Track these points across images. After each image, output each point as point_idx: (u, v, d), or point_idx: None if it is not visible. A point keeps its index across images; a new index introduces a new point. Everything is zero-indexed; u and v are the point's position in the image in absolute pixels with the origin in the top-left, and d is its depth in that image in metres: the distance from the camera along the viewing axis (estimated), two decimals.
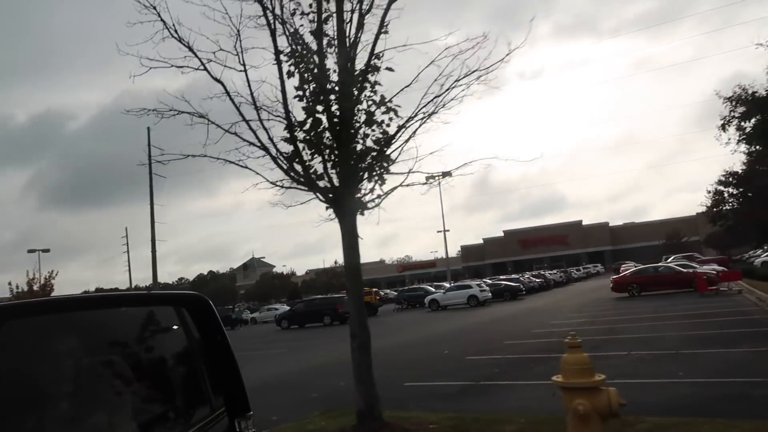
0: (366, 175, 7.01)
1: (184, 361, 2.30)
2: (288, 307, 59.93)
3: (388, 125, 7.02)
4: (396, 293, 72.87)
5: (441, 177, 7.13)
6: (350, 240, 7.03)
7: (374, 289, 55.40)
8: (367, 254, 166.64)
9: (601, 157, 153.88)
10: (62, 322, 1.75)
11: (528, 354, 13.88)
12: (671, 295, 29.40)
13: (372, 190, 7.14)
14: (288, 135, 6.84)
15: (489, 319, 27.14)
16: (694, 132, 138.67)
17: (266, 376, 14.29)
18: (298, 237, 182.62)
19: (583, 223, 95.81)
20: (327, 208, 7.05)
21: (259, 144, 6.92)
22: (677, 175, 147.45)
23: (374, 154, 6.96)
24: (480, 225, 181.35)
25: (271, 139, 6.90)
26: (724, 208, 46.04)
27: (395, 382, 11.55)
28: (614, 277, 33.45)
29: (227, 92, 7.00)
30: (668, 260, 60.63)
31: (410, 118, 7.02)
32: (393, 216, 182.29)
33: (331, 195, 6.93)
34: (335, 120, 6.73)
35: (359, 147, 6.89)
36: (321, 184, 6.93)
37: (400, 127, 7.06)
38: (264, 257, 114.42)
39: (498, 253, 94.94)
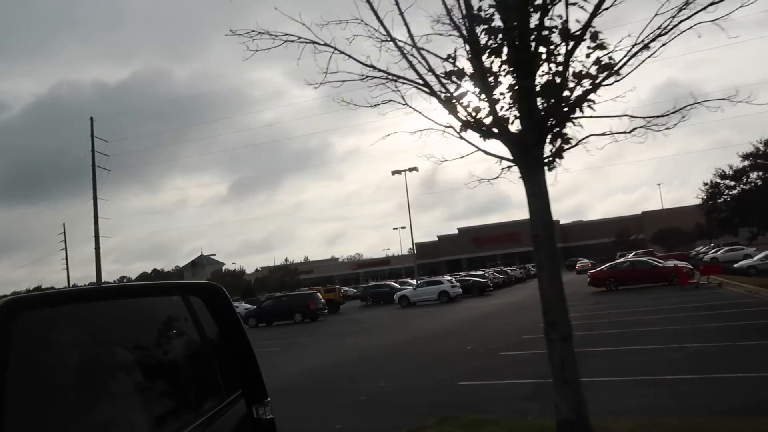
0: (569, 115, 5.17)
1: (200, 350, 2.26)
2: (247, 306, 58.21)
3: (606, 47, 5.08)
4: (355, 290, 72.21)
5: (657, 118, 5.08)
6: (542, 203, 5.48)
7: (336, 286, 54.26)
8: (314, 252, 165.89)
9: None
10: (76, 314, 1.73)
11: None
12: (649, 289, 29.59)
13: (561, 138, 5.34)
14: (473, 60, 5.16)
15: (475, 315, 26.53)
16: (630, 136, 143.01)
17: (286, 376, 13.02)
18: (245, 235, 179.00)
19: None
20: (509, 163, 5.50)
21: (421, 82, 5.44)
22: (614, 177, 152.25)
23: (587, 86, 5.07)
24: (427, 224, 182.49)
25: (438, 76, 5.39)
26: (719, 200, 46.69)
27: (444, 381, 10.61)
28: (591, 271, 33.52)
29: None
30: (627, 257, 62.15)
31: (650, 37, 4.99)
32: (339, 214, 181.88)
33: (519, 143, 5.25)
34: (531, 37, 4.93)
35: (570, 71, 5.05)
36: (512, 128, 5.27)
37: (632, 48, 5.03)
38: (214, 254, 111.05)
39: (452, 250, 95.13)
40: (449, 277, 44.96)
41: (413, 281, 54.54)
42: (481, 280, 45.90)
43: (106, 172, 62.28)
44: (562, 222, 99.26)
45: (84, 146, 60.58)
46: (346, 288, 74.85)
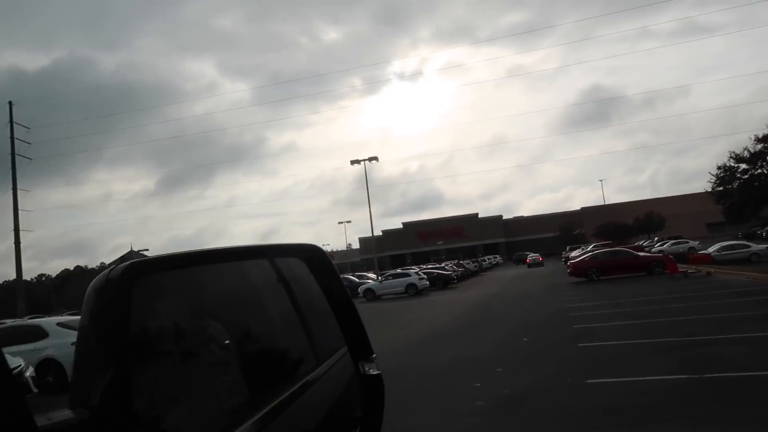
0: None
1: (305, 309, 2.25)
2: None
3: None
4: None
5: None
6: None
7: None
8: None
9: (474, 156, 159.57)
10: (189, 277, 1.72)
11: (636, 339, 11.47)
12: (634, 279, 28.80)
13: None
14: None
15: (466, 308, 24.69)
16: (556, 136, 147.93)
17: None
18: (174, 230, 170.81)
19: (479, 216, 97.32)
20: None
21: None
22: (540, 176, 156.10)
23: None
24: (362, 220, 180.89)
25: None
26: (733, 185, 44.59)
27: (559, 381, 8.55)
28: (573, 261, 32.47)
29: None
30: (573, 250, 62.39)
31: None
32: (272, 210, 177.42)
33: None
34: None
35: None
36: None
37: None
38: (146, 249, 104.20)
39: (397, 245, 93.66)
40: (416, 269, 43.11)
41: (371, 275, 52.45)
42: (445, 272, 44.35)
43: (27, 161, 56.58)
44: (504, 217, 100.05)
45: (2, 133, 54.38)
46: None
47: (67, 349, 13.09)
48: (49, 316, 47.95)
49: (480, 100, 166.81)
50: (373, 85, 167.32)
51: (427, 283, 39.20)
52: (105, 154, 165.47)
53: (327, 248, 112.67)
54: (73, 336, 13.59)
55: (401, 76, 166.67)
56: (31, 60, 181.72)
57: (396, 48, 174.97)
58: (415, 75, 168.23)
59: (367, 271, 65.62)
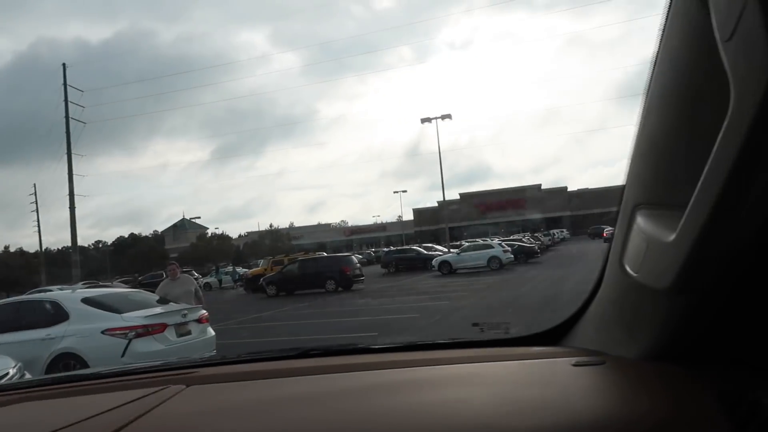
0: None
1: None
2: (240, 270, 50.58)
3: None
4: (361, 257, 64.80)
5: None
6: None
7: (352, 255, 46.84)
8: (296, 219, 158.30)
9: (526, 128, 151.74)
10: None
11: None
12: None
13: None
14: None
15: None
16: (611, 106, 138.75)
17: None
18: (225, 201, 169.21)
19: (542, 187, 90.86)
20: None
21: None
22: (595, 149, 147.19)
23: None
24: (412, 192, 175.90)
25: None
26: None
27: None
28: None
29: None
30: None
31: None
32: (319, 182, 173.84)
33: None
34: None
35: None
36: None
37: None
38: (198, 217, 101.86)
39: (453, 217, 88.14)
40: (499, 240, 37.80)
41: (440, 247, 47.42)
42: (527, 245, 38.92)
43: (81, 126, 53.07)
44: (570, 188, 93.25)
45: (60, 102, 50.99)
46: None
47: (93, 341, 8.50)
48: (101, 282, 44.96)
49: (532, 71, 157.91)
50: (421, 55, 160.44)
51: (512, 256, 33.90)
52: (162, 124, 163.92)
53: (377, 220, 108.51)
54: (103, 319, 8.96)
55: (452, 46, 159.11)
56: (95, 31, 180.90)
57: (448, 17, 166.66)
58: (466, 45, 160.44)
59: (425, 243, 60.46)
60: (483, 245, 35.14)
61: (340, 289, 28.01)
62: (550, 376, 1.23)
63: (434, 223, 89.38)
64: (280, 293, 29.05)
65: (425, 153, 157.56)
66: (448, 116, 41.36)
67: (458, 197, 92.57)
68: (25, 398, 1.52)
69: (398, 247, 49.67)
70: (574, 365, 1.22)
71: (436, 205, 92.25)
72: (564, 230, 74.56)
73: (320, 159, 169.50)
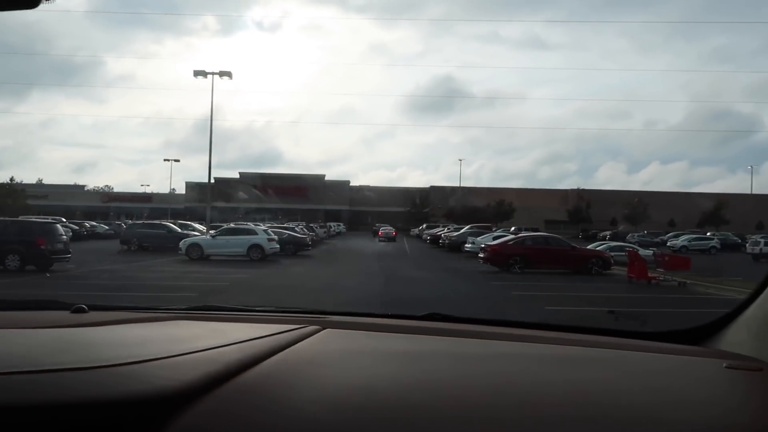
0: None
1: None
2: None
3: None
4: (107, 228, 53.36)
5: None
6: None
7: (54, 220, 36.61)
8: (55, 178, 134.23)
9: (320, 122, 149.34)
10: None
11: None
12: (568, 276, 20.55)
13: None
14: None
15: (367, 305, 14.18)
16: (400, 116, 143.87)
17: None
18: None
19: (326, 178, 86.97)
20: None
21: None
22: (381, 152, 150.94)
23: None
24: (197, 167, 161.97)
25: None
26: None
27: None
28: (492, 243, 23.35)
29: None
30: (426, 228, 54.84)
31: None
32: (94, 141, 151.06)
33: None
34: None
35: None
36: None
37: None
38: None
39: (230, 196, 79.75)
40: (265, 227, 31.42)
41: (199, 225, 39.63)
42: (299, 235, 33.35)
43: None
44: (351, 184, 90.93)
45: None
46: (93, 223, 55.64)
47: None
48: None
49: (335, 68, 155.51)
50: (226, 29, 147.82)
51: (278, 246, 27.97)
52: None
53: (146, 189, 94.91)
54: None
55: (260, 27, 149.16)
56: None
57: None
58: (274, 29, 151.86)
59: (193, 220, 51.67)
60: (244, 230, 28.55)
61: (30, 267, 19.39)
62: (699, 375, 1.18)
63: (207, 200, 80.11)
64: None
65: (217, 128, 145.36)
66: (228, 73, 33.92)
67: (237, 176, 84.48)
68: (178, 318, 1.66)
69: (145, 221, 40.37)
70: (727, 367, 1.18)
71: (213, 181, 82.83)
72: (341, 224, 71.28)
73: (98, 116, 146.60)
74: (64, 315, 1.59)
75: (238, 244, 26.94)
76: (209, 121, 36.10)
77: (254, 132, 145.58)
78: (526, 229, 48.02)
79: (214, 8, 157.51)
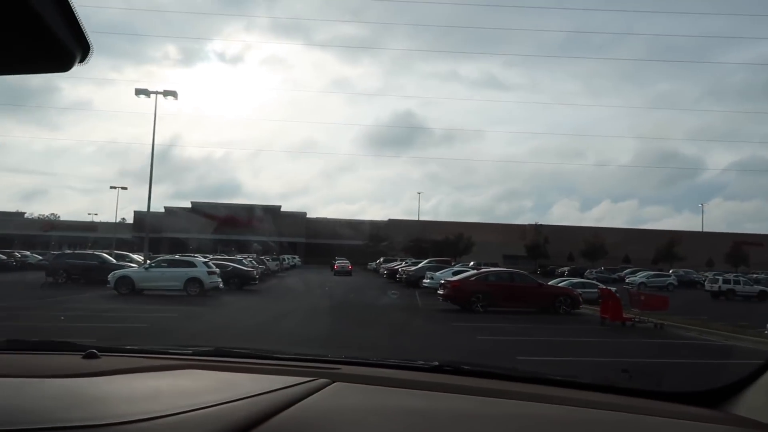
0: None
1: None
2: None
3: None
4: (41, 258, 49.06)
5: None
6: None
7: None
8: (4, 205, 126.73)
9: (280, 156, 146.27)
10: None
11: None
12: (534, 317, 18.62)
13: None
14: None
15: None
16: (360, 151, 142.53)
17: None
18: None
19: (282, 209, 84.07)
20: None
21: None
22: (341, 186, 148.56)
23: None
24: (154, 197, 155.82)
25: None
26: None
27: None
28: (452, 279, 21.24)
29: None
30: (384, 262, 52.61)
31: None
32: (45, 169, 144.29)
33: None
34: None
35: None
36: None
37: None
38: None
39: (180, 227, 75.91)
40: (203, 259, 28.61)
41: (137, 256, 36.41)
42: (245, 268, 30.61)
43: None
44: (310, 216, 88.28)
45: None
46: (27, 252, 51.42)
47: None
48: None
49: (295, 102, 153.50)
50: (188, 59, 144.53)
51: (219, 280, 25.27)
52: None
53: (95, 218, 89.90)
54: None
55: (222, 58, 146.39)
56: None
57: (226, 27, 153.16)
58: (236, 60, 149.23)
59: (140, 251, 47.91)
60: (181, 261, 25.73)
61: None
62: None
63: (157, 230, 76.06)
64: None
65: (175, 158, 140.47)
66: (173, 93, 31.40)
67: (189, 206, 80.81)
68: (188, 365, 1.65)
69: (76, 251, 36.94)
70: None
71: (163, 210, 79.02)
72: (296, 257, 68.35)
73: (51, 143, 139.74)
74: (76, 361, 1.61)
75: (174, 277, 24.16)
76: (164, 148, 33.38)
77: (213, 163, 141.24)
78: (486, 264, 46.53)
79: (175, 38, 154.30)
